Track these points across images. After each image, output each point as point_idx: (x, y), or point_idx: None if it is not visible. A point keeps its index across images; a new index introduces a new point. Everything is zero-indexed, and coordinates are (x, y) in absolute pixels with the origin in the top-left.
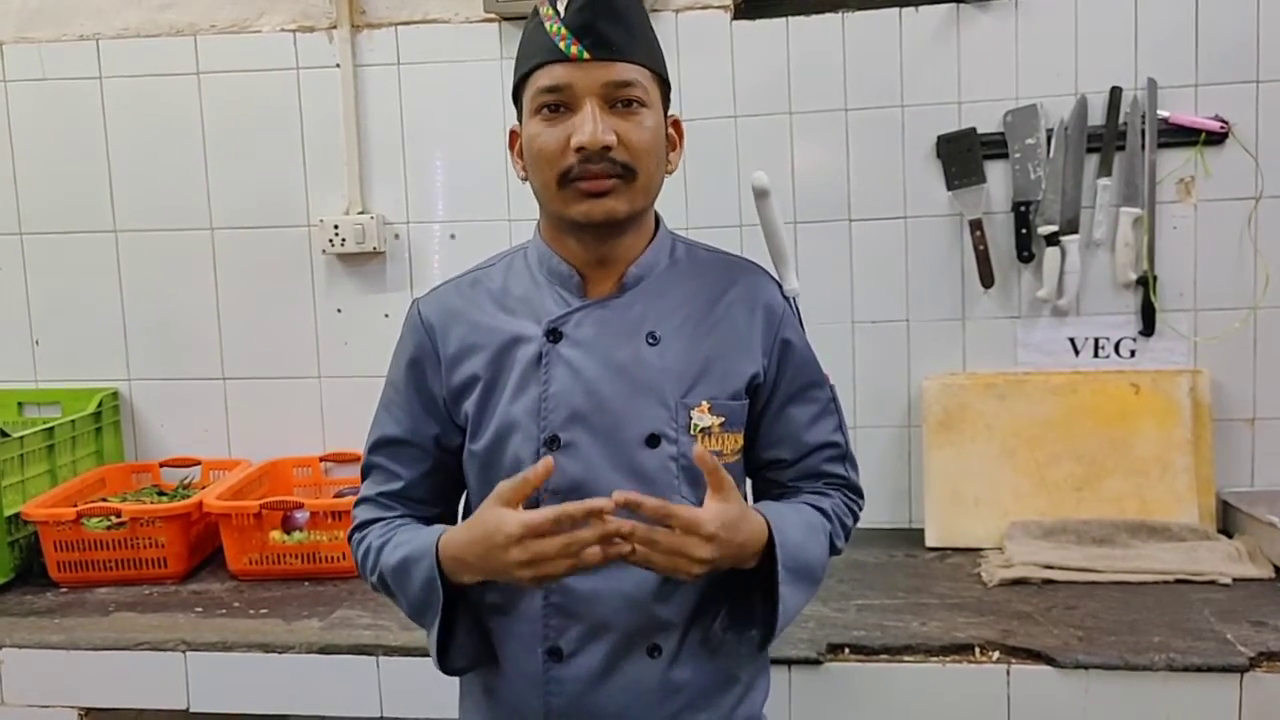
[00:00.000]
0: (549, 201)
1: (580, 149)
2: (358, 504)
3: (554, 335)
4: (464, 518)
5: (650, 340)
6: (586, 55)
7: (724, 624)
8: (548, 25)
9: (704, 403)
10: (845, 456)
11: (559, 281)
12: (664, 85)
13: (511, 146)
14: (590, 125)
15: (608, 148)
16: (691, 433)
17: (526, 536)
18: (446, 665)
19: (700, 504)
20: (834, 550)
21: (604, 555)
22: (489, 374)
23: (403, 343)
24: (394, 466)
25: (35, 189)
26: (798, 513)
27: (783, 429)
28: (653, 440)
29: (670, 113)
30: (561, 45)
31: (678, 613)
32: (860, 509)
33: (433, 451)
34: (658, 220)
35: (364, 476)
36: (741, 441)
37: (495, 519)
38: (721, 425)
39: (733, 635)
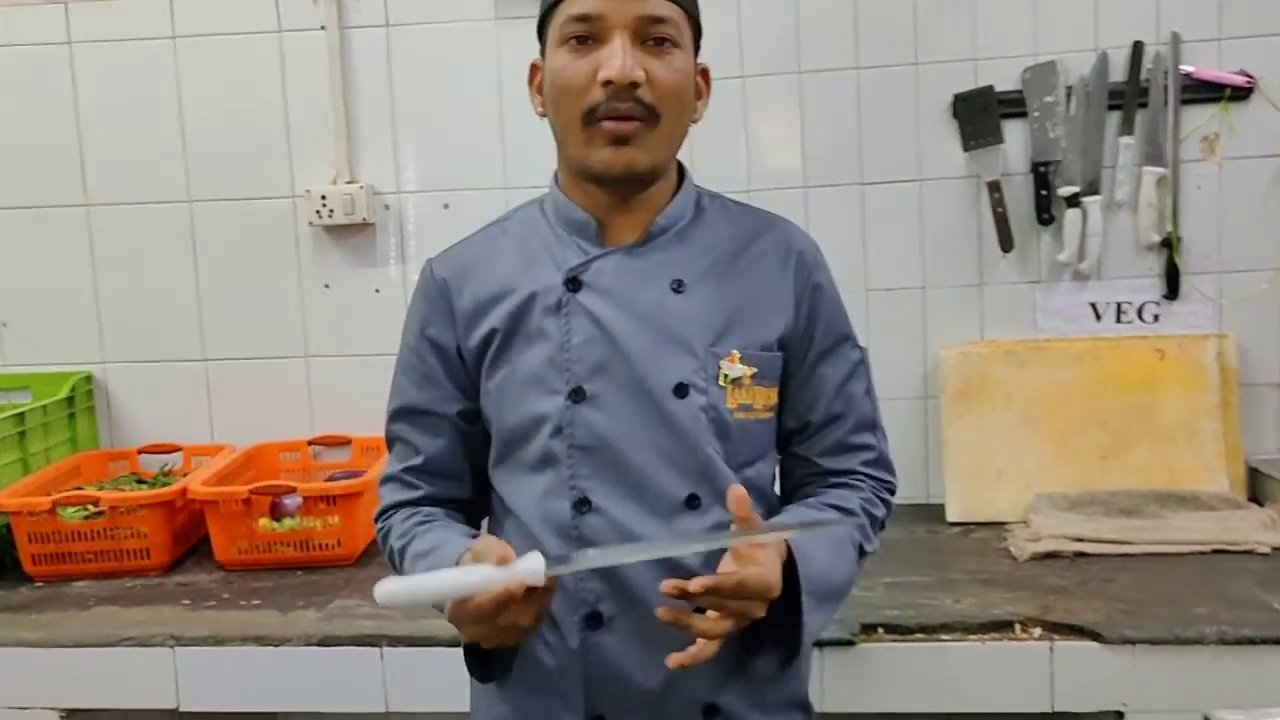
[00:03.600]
0: (569, 142)
1: (608, 83)
2: (382, 482)
3: (573, 284)
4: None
5: (675, 287)
6: None
7: (745, 645)
8: None
9: (734, 352)
10: (874, 425)
11: (577, 230)
12: (696, 29)
13: (531, 80)
14: (619, 59)
15: (635, 84)
16: (721, 383)
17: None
18: (489, 673)
19: (726, 458)
20: (863, 555)
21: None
22: (507, 328)
23: (416, 303)
24: (414, 438)
25: (2, 161)
26: (817, 520)
27: (813, 392)
28: (681, 390)
29: (699, 60)
30: None
31: None
32: (893, 490)
33: (453, 419)
34: (682, 171)
35: (389, 448)
36: (774, 398)
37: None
38: (753, 377)
39: (753, 658)
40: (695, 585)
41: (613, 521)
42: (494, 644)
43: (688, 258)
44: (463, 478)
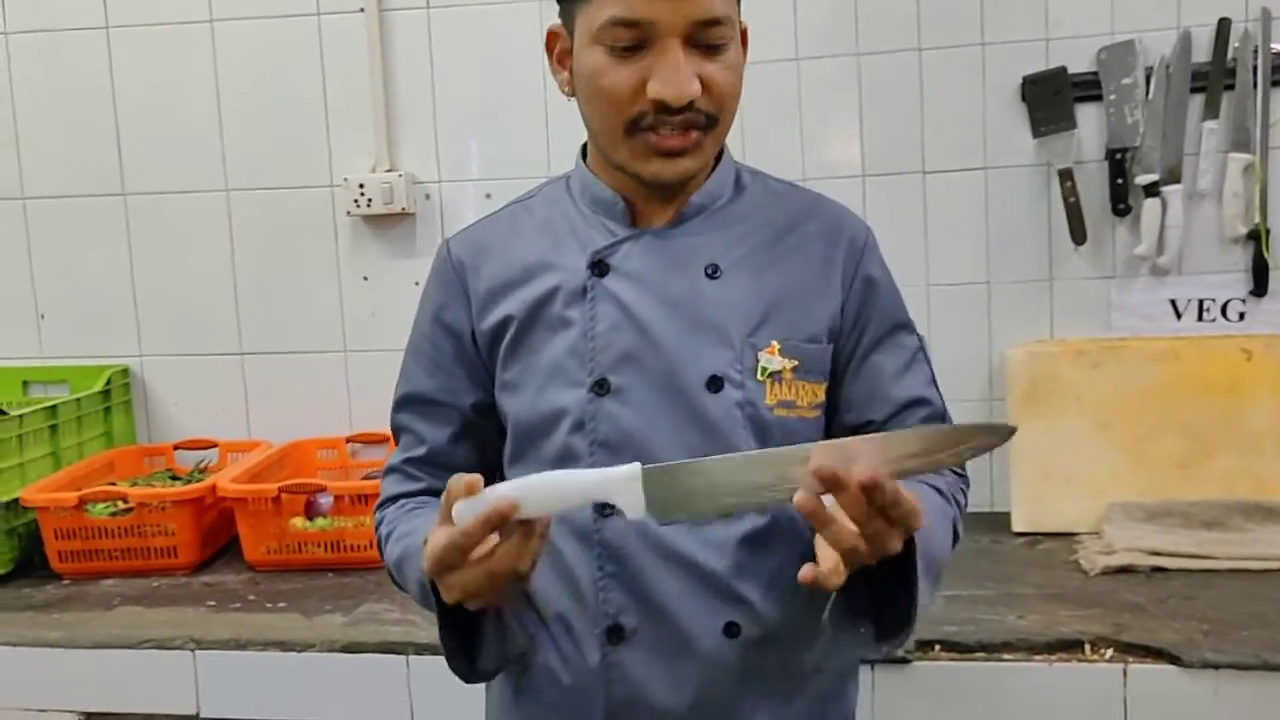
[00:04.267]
0: (609, 145)
1: (660, 101)
2: (385, 473)
3: (599, 268)
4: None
5: (710, 272)
6: None
7: (832, 618)
8: None
9: (774, 343)
10: (943, 415)
11: (603, 210)
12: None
13: (549, 49)
14: (676, 77)
15: (692, 100)
16: (759, 377)
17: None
18: (473, 670)
19: None
20: (956, 538)
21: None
22: (526, 313)
23: (430, 284)
24: (419, 427)
25: (38, 149)
26: (921, 490)
27: (868, 384)
28: (715, 383)
29: (748, 24)
30: None
31: (759, 588)
32: (968, 486)
33: (464, 410)
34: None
35: (395, 439)
36: (821, 396)
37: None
38: (794, 371)
39: (845, 630)
40: (859, 472)
41: (639, 526)
42: (480, 601)
43: (724, 240)
44: (473, 473)
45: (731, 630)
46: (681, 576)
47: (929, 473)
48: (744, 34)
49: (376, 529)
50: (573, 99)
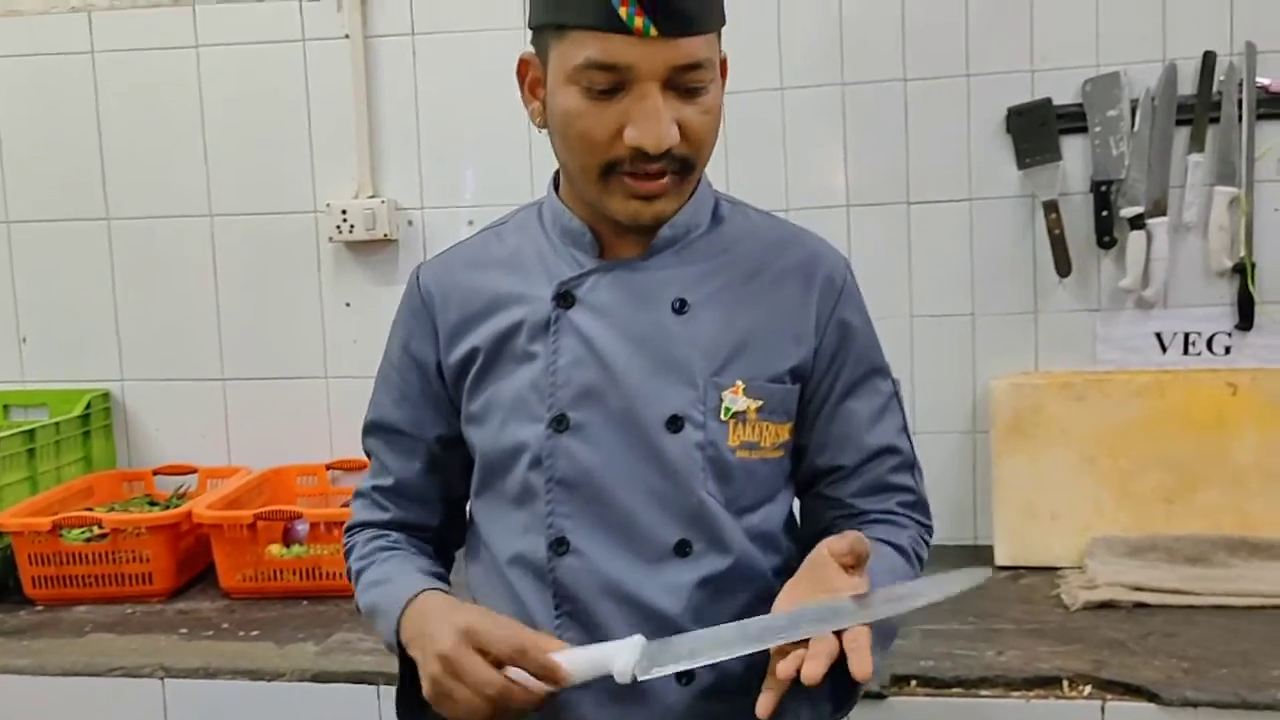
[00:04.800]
0: (582, 184)
1: (638, 148)
2: (355, 495)
3: (565, 299)
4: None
5: (677, 307)
6: (654, 31)
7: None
8: None
9: (739, 383)
10: (913, 465)
11: (572, 241)
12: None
13: (521, 77)
14: (655, 125)
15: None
16: (722, 418)
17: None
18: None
19: (725, 502)
20: None
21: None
22: (491, 346)
23: (400, 314)
24: (386, 457)
25: (22, 173)
26: (879, 560)
27: (841, 429)
28: (674, 423)
29: (730, 52)
30: (622, 12)
31: None
32: (931, 534)
33: (429, 444)
34: None
35: (368, 458)
36: (785, 435)
37: (448, 630)
38: (758, 411)
39: (802, 705)
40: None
41: (593, 566)
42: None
43: (696, 274)
44: (432, 504)
45: (683, 678)
46: (636, 619)
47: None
48: (723, 64)
49: (346, 555)
50: (544, 130)
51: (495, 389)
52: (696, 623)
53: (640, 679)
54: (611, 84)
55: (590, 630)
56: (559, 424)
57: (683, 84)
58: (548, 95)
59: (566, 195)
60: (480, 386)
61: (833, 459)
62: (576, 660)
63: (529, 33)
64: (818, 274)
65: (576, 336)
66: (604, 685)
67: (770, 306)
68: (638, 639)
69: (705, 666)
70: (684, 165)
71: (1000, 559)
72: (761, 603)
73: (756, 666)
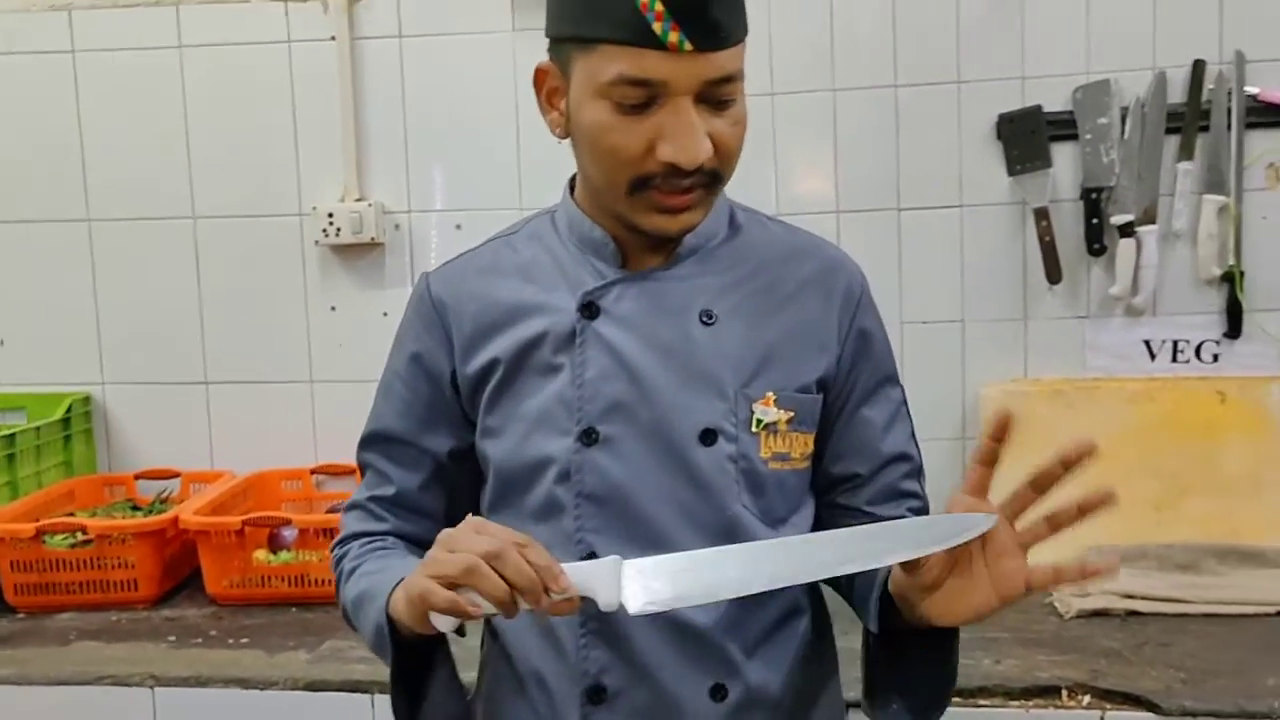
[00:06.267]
0: (609, 197)
1: (672, 164)
2: (347, 508)
3: (590, 310)
4: None
5: (705, 319)
6: (688, 46)
7: (867, 698)
8: None
9: (769, 394)
10: (922, 472)
11: (592, 250)
12: None
13: (538, 86)
14: (691, 142)
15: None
16: (753, 429)
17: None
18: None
19: (760, 514)
20: None
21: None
22: (512, 358)
23: (408, 323)
24: (387, 467)
25: (2, 174)
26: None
27: (856, 436)
28: (708, 436)
29: None
30: (656, 27)
31: (748, 648)
32: None
33: (437, 455)
34: None
35: (361, 473)
36: (811, 446)
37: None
38: (789, 422)
39: (879, 708)
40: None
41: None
42: (437, 600)
43: (719, 285)
44: (434, 518)
45: (718, 693)
46: (667, 634)
47: None
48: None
49: (337, 565)
50: (564, 141)
51: (517, 401)
52: (728, 635)
53: (634, 613)
54: (644, 99)
55: (616, 647)
56: (588, 437)
57: (714, 97)
58: (571, 107)
59: (585, 203)
60: (500, 399)
61: (849, 467)
62: (567, 572)
63: (519, 36)
64: (838, 284)
65: (603, 348)
66: (634, 704)
67: (794, 317)
68: (614, 559)
69: (739, 682)
70: (713, 178)
71: None
72: (793, 616)
73: (793, 683)
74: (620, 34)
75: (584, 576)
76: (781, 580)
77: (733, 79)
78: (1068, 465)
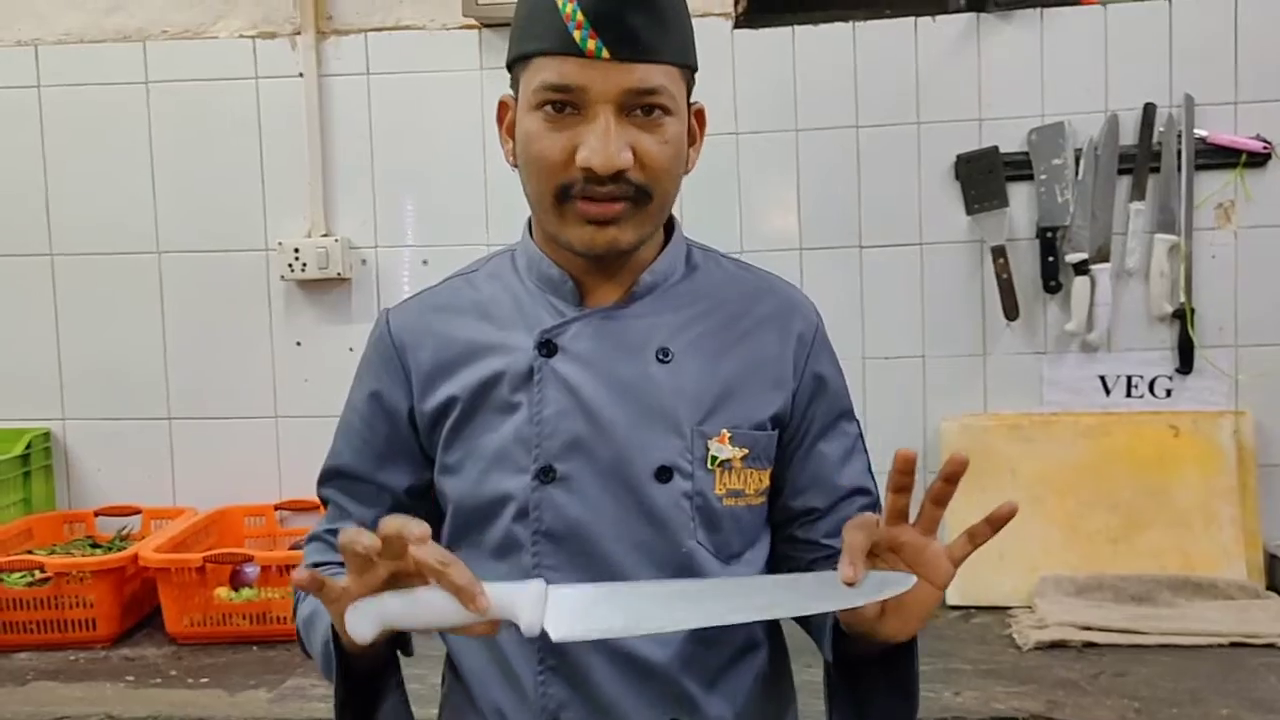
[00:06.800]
0: (542, 216)
1: (588, 169)
2: (308, 540)
3: (547, 348)
4: None
5: (661, 357)
6: (605, 54)
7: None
8: (559, 1)
9: (724, 431)
10: (879, 504)
11: (550, 288)
12: (691, 76)
13: (500, 120)
14: (604, 145)
15: (621, 170)
16: (709, 467)
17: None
18: None
19: (714, 550)
20: None
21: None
22: (470, 396)
23: (367, 360)
24: (346, 503)
25: None
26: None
27: (814, 470)
28: (664, 474)
29: (693, 100)
30: (576, 35)
31: (705, 683)
32: None
33: (394, 492)
34: (671, 222)
35: (323, 506)
36: (766, 482)
37: None
38: (744, 459)
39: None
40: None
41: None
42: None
43: (676, 322)
44: None
45: None
46: (624, 670)
47: None
48: (700, 115)
49: (295, 593)
50: (516, 169)
51: (475, 439)
52: (685, 670)
53: (556, 640)
54: (564, 102)
55: (575, 684)
56: (546, 475)
57: (638, 109)
58: (516, 128)
59: (541, 241)
60: (457, 437)
61: (806, 501)
62: (490, 593)
63: (486, 74)
64: (793, 325)
65: (561, 386)
66: None
67: (750, 354)
68: (538, 584)
69: (697, 717)
70: (639, 193)
71: (952, 598)
72: (749, 650)
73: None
74: (546, 44)
75: (508, 598)
76: (701, 621)
77: (655, 93)
78: (950, 480)
